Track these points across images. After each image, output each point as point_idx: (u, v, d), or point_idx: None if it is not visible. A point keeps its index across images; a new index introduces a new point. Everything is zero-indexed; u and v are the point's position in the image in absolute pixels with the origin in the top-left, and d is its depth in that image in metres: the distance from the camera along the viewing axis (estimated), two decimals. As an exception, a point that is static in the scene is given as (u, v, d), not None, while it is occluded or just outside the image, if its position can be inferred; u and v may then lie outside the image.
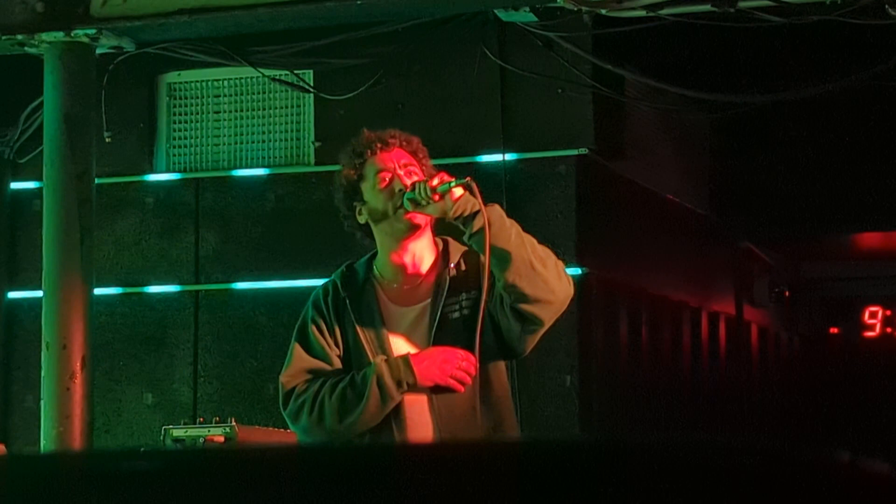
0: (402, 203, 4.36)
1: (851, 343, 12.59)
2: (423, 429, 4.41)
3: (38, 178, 6.68)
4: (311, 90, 7.17)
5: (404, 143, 4.53)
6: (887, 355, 12.20)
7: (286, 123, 7.38)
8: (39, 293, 6.47)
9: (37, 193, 7.03)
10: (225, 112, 7.48)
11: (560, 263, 4.41)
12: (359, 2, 6.08)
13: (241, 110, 7.45)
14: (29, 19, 6.36)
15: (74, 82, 6.44)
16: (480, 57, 6.83)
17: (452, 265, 4.48)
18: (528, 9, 6.30)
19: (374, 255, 4.55)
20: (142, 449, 1.90)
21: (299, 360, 4.53)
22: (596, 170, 6.93)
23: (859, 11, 5.73)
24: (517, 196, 6.78)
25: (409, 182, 4.40)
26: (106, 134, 6.89)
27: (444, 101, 7.00)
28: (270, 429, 4.39)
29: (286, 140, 7.37)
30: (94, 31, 6.36)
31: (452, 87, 6.99)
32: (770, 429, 10.24)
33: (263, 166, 7.34)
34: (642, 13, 5.99)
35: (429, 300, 4.48)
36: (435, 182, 4.28)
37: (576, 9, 5.99)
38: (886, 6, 5.63)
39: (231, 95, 7.47)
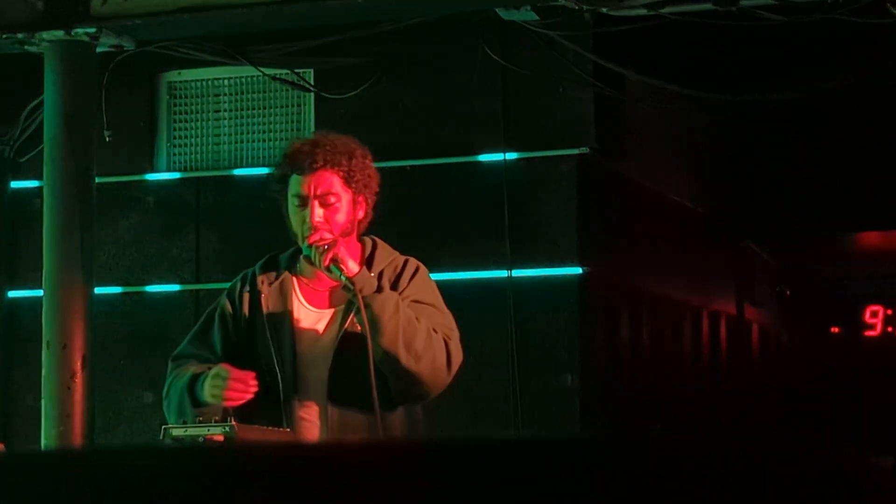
0: (303, 250, 4.33)
1: (852, 343, 12.58)
2: (312, 437, 4.36)
3: (39, 176, 6.67)
4: (312, 89, 7.17)
5: (330, 166, 4.36)
6: (889, 355, 12.19)
7: (287, 122, 7.37)
8: (39, 292, 6.46)
9: (37, 192, 7.02)
10: (225, 111, 7.47)
11: (442, 352, 4.30)
12: (360, 0, 6.08)
13: (242, 109, 7.44)
14: (29, 18, 6.35)
15: (75, 81, 6.43)
16: (481, 56, 6.81)
17: (373, 275, 4.36)
18: (529, 7, 6.29)
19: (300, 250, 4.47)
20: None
21: (187, 344, 4.57)
22: (597, 169, 6.91)
23: (861, 10, 5.72)
24: (518, 195, 6.77)
25: (317, 216, 4.31)
26: (106, 133, 6.88)
27: (445, 100, 6.99)
28: (269, 428, 4.36)
29: (287, 139, 7.34)
30: (94, 29, 6.35)
31: (453, 85, 6.97)
32: (771, 428, 10.23)
33: (264, 165, 7.33)
34: (644, 12, 5.99)
35: (342, 306, 4.39)
36: (326, 261, 4.22)
37: (577, 7, 5.98)
38: (888, 4, 5.62)
39: (231, 94, 7.46)
